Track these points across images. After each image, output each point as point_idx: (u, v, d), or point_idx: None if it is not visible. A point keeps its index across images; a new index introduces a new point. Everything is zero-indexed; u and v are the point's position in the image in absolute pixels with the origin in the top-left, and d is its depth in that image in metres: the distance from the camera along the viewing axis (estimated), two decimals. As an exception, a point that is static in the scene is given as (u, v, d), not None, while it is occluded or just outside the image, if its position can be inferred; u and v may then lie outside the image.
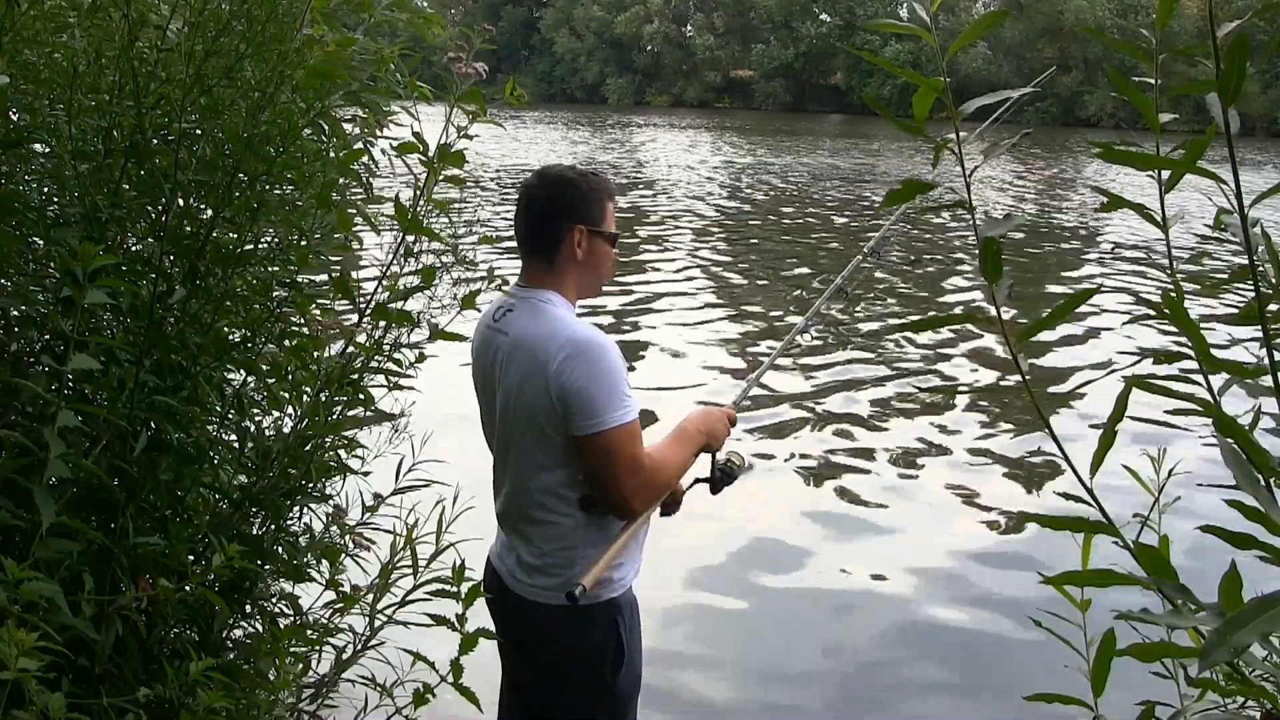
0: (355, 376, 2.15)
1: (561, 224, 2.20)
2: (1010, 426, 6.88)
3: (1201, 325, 1.16)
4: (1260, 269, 1.11)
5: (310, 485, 2.15)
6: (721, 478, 2.46)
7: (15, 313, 1.92)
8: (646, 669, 2.37)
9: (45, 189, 1.98)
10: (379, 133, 2.17)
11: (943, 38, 1.15)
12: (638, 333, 9.13)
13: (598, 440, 2.11)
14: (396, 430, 2.29)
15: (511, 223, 2.24)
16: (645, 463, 2.16)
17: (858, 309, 10.17)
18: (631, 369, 2.17)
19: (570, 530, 2.19)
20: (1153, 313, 1.24)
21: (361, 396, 2.18)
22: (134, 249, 2.00)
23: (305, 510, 2.21)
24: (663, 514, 2.38)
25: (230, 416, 2.11)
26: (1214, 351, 1.20)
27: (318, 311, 2.17)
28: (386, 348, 2.21)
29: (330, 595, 2.21)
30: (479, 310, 2.31)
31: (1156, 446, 1.97)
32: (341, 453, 2.20)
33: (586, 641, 2.23)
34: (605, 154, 28.13)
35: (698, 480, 2.45)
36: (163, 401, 1.85)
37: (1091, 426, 6.62)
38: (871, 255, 2.79)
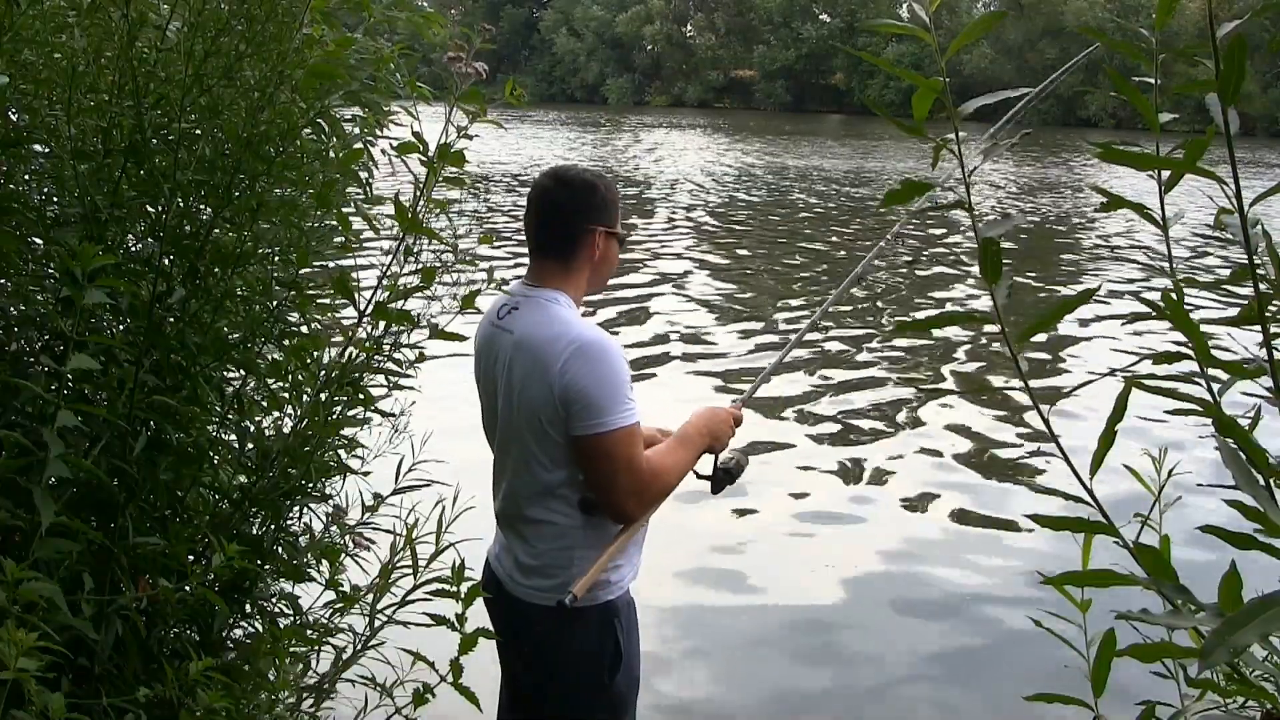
0: (355, 376, 2.15)
1: (583, 225, 2.22)
2: (1010, 426, 6.88)
3: (1203, 325, 1.16)
4: (1260, 269, 1.11)
5: (310, 485, 2.15)
6: (723, 477, 2.44)
7: (15, 313, 1.92)
8: (644, 671, 2.37)
9: (45, 189, 1.98)
10: (379, 132, 2.17)
11: (944, 38, 1.15)
12: (637, 332, 9.13)
13: (597, 442, 2.10)
14: (396, 430, 2.29)
15: (513, 222, 2.24)
16: (644, 467, 2.15)
17: (857, 307, 10.17)
18: (632, 367, 2.16)
19: (568, 531, 2.19)
20: (1153, 313, 1.24)
21: (361, 396, 2.18)
22: (134, 249, 2.00)
23: (305, 510, 2.21)
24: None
25: (230, 416, 2.10)
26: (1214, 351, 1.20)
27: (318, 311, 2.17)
28: (386, 347, 2.21)
29: (330, 595, 2.21)
30: (479, 310, 2.31)
31: (1157, 446, 1.97)
32: (341, 453, 2.19)
33: (583, 644, 2.22)
34: (604, 154, 28.11)
35: (699, 476, 2.44)
36: (162, 401, 1.85)
37: (1092, 427, 6.61)
38: (878, 258, 2.77)
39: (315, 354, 2.16)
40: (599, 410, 2.08)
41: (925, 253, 13.66)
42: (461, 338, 2.27)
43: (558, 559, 2.19)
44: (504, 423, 2.23)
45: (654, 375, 7.80)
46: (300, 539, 2.19)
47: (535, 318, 2.18)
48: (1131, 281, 12.08)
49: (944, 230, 15.50)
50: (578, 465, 2.15)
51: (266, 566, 2.11)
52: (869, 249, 2.79)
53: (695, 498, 2.44)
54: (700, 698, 3.76)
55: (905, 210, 2.82)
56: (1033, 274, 12.41)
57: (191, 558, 1.86)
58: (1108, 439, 1.15)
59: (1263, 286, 1.10)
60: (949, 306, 10.65)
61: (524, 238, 2.34)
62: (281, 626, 2.09)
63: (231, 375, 2.14)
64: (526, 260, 2.33)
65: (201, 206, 1.95)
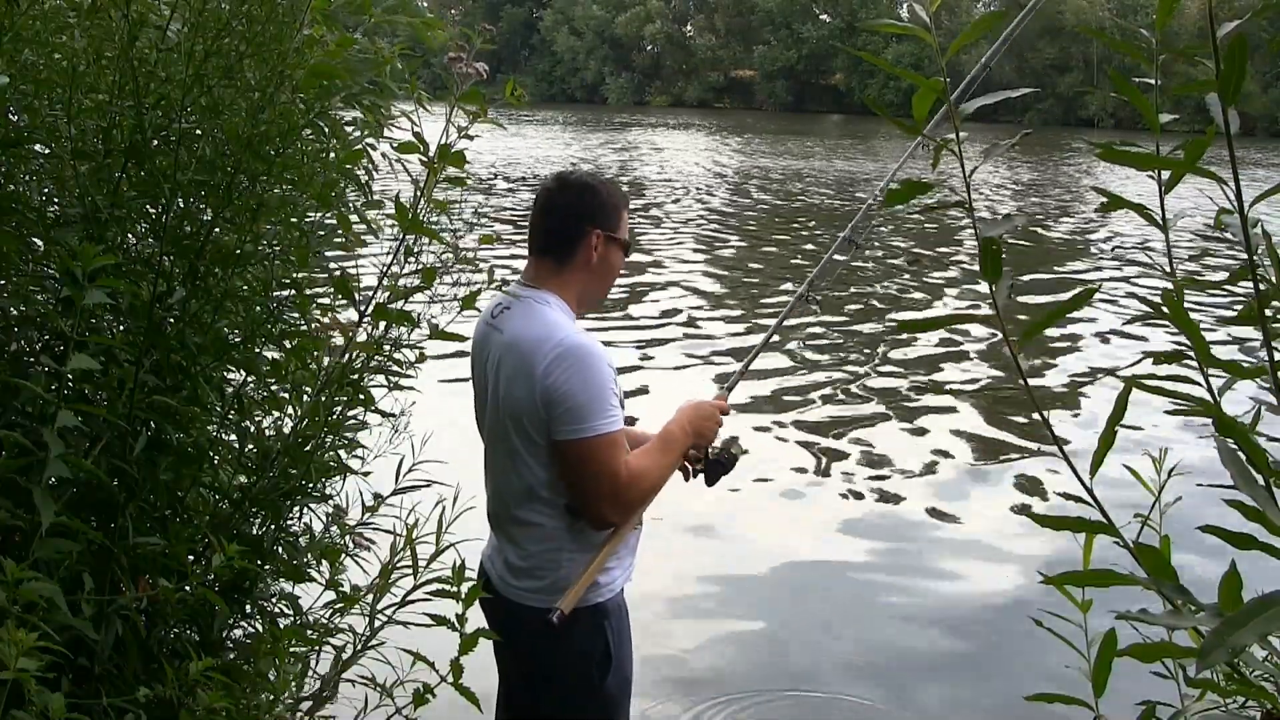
0: (355, 376, 2.15)
1: (581, 226, 2.22)
2: (1010, 426, 6.88)
3: (1202, 325, 1.16)
4: (1260, 269, 1.11)
5: (310, 485, 2.15)
6: (716, 466, 2.42)
7: (15, 313, 1.92)
8: (639, 669, 2.36)
9: (45, 189, 1.98)
10: (381, 135, 2.17)
11: (944, 38, 1.15)
12: (636, 329, 9.13)
13: (577, 447, 2.10)
14: (396, 430, 2.29)
15: (511, 223, 2.25)
16: (623, 474, 2.13)
17: (857, 306, 10.17)
18: (625, 371, 2.16)
19: (555, 533, 2.19)
20: (1153, 313, 1.24)
21: (361, 397, 2.18)
22: (134, 249, 2.00)
23: (305, 510, 2.21)
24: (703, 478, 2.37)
25: (230, 416, 2.11)
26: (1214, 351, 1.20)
27: (318, 311, 2.17)
28: (387, 348, 2.21)
29: (330, 595, 2.21)
30: (479, 310, 2.31)
31: (1157, 446, 1.97)
32: (341, 453, 2.19)
33: (573, 646, 2.21)
34: (604, 153, 28.11)
35: (693, 470, 2.43)
36: (163, 401, 1.85)
37: (1092, 426, 6.62)
38: (853, 237, 2.71)
39: (315, 354, 2.16)
40: (580, 416, 2.08)
41: (918, 249, 13.66)
42: (462, 338, 2.27)
43: (546, 561, 2.19)
44: (491, 422, 2.24)
45: (653, 372, 7.81)
46: (300, 539, 2.19)
47: (525, 319, 2.18)
48: (1131, 281, 12.07)
49: (942, 230, 15.51)
50: (558, 470, 2.15)
51: (266, 566, 2.11)
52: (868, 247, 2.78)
53: (688, 492, 2.43)
54: (691, 699, 3.75)
55: (881, 195, 2.78)
56: (1033, 274, 12.40)
57: (191, 558, 1.86)
58: (1108, 439, 1.15)
59: (1262, 286, 1.10)
60: (943, 306, 10.66)
61: (518, 238, 2.34)
62: (281, 626, 2.08)
63: (231, 375, 2.14)
64: (524, 261, 2.33)
65: (202, 207, 1.95)
